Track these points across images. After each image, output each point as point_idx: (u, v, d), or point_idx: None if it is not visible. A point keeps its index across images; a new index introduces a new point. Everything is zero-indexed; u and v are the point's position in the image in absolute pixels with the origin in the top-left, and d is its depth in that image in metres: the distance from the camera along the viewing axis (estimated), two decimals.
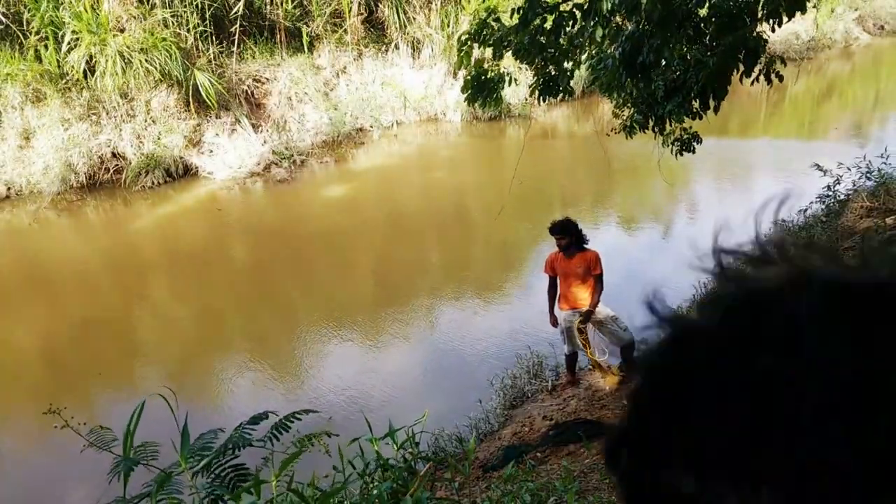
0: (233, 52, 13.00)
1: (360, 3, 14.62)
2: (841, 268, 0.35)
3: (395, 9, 14.80)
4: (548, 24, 4.34)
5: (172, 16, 12.02)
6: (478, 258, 8.50)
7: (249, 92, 13.15)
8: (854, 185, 7.23)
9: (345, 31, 14.61)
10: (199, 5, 12.34)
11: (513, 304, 6.86)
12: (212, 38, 12.75)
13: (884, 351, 0.30)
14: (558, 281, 4.82)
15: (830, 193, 7.06)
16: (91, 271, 8.46)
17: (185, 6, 12.18)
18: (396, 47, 15.09)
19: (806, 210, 7.18)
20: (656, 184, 9.19)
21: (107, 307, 7.35)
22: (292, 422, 1.92)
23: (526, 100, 13.60)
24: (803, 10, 3.88)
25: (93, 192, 10.98)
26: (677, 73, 4.42)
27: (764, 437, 0.31)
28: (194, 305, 7.54)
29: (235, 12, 12.72)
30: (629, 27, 4.25)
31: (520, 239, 8.86)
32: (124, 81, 11.19)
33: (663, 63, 4.35)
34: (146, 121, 11.55)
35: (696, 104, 4.42)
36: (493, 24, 4.54)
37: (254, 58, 13.51)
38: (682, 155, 5.34)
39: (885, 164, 7.22)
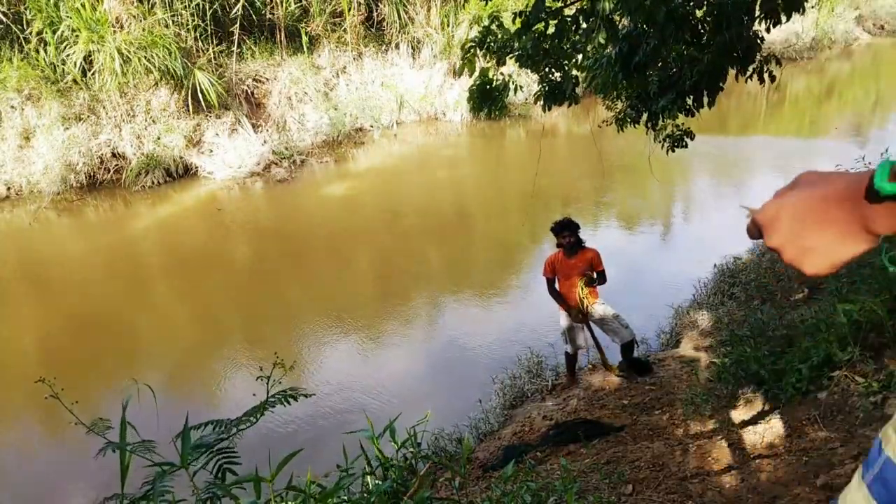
0: (233, 52, 13.00)
1: (359, 3, 14.62)
2: None
3: (394, 8, 14.81)
4: (551, 30, 4.33)
5: (172, 16, 12.02)
6: (478, 258, 8.50)
7: (249, 92, 13.15)
8: None
9: (344, 30, 14.61)
10: (199, 5, 12.34)
11: (513, 304, 6.86)
12: (212, 38, 12.76)
13: None
14: (557, 281, 4.81)
15: None
16: (91, 271, 8.46)
17: (185, 6, 12.18)
18: (396, 47, 15.10)
19: None
20: (656, 183, 9.20)
21: (107, 307, 7.35)
22: (283, 402, 1.86)
23: (526, 100, 13.61)
24: (801, 10, 3.87)
25: (93, 192, 10.99)
26: (673, 70, 4.41)
27: None
28: (194, 305, 7.55)
29: (235, 12, 12.72)
30: (626, 26, 4.25)
31: (520, 238, 8.86)
32: (124, 80, 11.20)
33: (659, 63, 4.34)
34: (146, 121, 11.55)
35: (689, 100, 4.40)
36: (496, 30, 4.53)
37: (254, 58, 13.51)
38: (673, 151, 5.31)
39: None
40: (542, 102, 4.72)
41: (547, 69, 4.58)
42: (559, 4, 4.30)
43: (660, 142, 5.33)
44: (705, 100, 4.34)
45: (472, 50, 4.63)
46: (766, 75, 4.25)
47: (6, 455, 5.11)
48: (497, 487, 2.39)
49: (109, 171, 11.27)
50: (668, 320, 5.99)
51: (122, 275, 8.28)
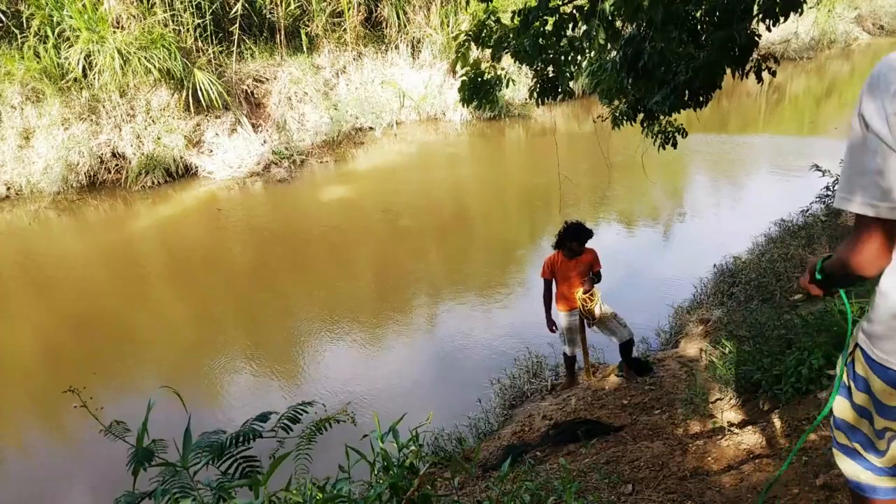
0: (233, 52, 13.00)
1: (359, 3, 14.62)
2: None
3: (394, 8, 14.81)
4: (548, 27, 4.31)
5: (172, 16, 12.02)
6: (477, 257, 8.50)
7: (249, 92, 13.15)
8: None
9: (344, 30, 14.61)
10: (199, 5, 12.34)
11: (512, 304, 6.86)
12: (212, 38, 12.75)
13: None
14: (556, 283, 4.80)
15: (830, 193, 7.05)
16: (91, 271, 8.47)
17: (185, 6, 12.17)
18: (396, 47, 15.10)
19: (806, 210, 7.19)
20: (656, 182, 9.20)
21: (107, 307, 7.35)
22: (301, 413, 1.90)
23: (526, 100, 13.61)
24: (799, 10, 3.87)
25: (93, 192, 11.00)
26: (672, 68, 4.40)
27: None
28: (194, 305, 7.55)
29: (235, 12, 12.72)
30: (629, 30, 4.24)
31: (520, 238, 8.87)
32: (124, 80, 11.19)
33: (662, 66, 4.32)
34: (146, 121, 11.55)
35: (685, 97, 4.38)
36: (492, 24, 4.51)
37: (254, 58, 13.51)
38: (664, 148, 5.29)
39: None
40: (535, 97, 4.72)
41: (542, 65, 4.57)
42: (558, 2, 4.29)
43: (651, 137, 5.30)
44: (700, 98, 4.32)
45: (466, 43, 4.61)
46: (763, 73, 4.24)
47: (6, 455, 5.11)
48: (496, 487, 2.39)
49: (110, 171, 11.27)
50: (667, 320, 5.99)
51: (122, 274, 8.29)
